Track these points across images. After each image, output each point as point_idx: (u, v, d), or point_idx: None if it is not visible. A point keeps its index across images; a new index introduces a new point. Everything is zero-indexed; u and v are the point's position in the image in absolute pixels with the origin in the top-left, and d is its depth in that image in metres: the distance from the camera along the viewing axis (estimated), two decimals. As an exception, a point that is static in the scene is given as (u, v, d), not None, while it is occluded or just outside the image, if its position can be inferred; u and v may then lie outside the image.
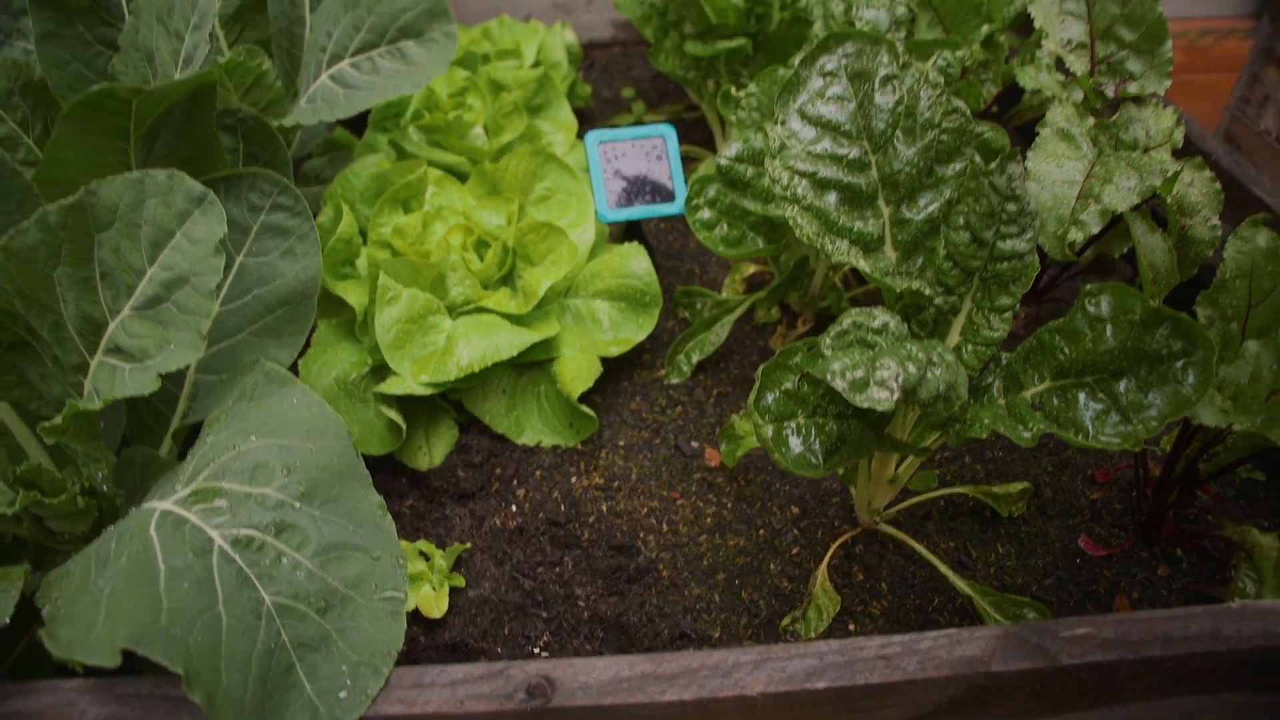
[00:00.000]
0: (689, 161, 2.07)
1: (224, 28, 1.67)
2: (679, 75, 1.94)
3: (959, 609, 1.23)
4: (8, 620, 0.90)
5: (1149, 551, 1.30)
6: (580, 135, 2.12)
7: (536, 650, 1.20)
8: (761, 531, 1.34)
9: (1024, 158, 1.23)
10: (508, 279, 1.57)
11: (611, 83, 2.44)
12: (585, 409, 1.43)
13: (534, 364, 1.50)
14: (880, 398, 0.87)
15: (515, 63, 2.10)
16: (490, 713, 0.91)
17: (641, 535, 1.34)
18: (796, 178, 1.05)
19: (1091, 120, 1.36)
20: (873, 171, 1.06)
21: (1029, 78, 1.55)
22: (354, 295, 1.50)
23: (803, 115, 1.07)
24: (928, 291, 1.06)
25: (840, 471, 1.29)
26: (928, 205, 1.08)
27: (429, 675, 0.93)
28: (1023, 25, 1.66)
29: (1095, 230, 1.22)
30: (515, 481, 1.41)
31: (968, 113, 1.07)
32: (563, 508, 1.37)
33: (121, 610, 0.80)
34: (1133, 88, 1.42)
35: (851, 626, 1.22)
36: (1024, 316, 1.69)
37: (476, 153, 1.83)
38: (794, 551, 1.31)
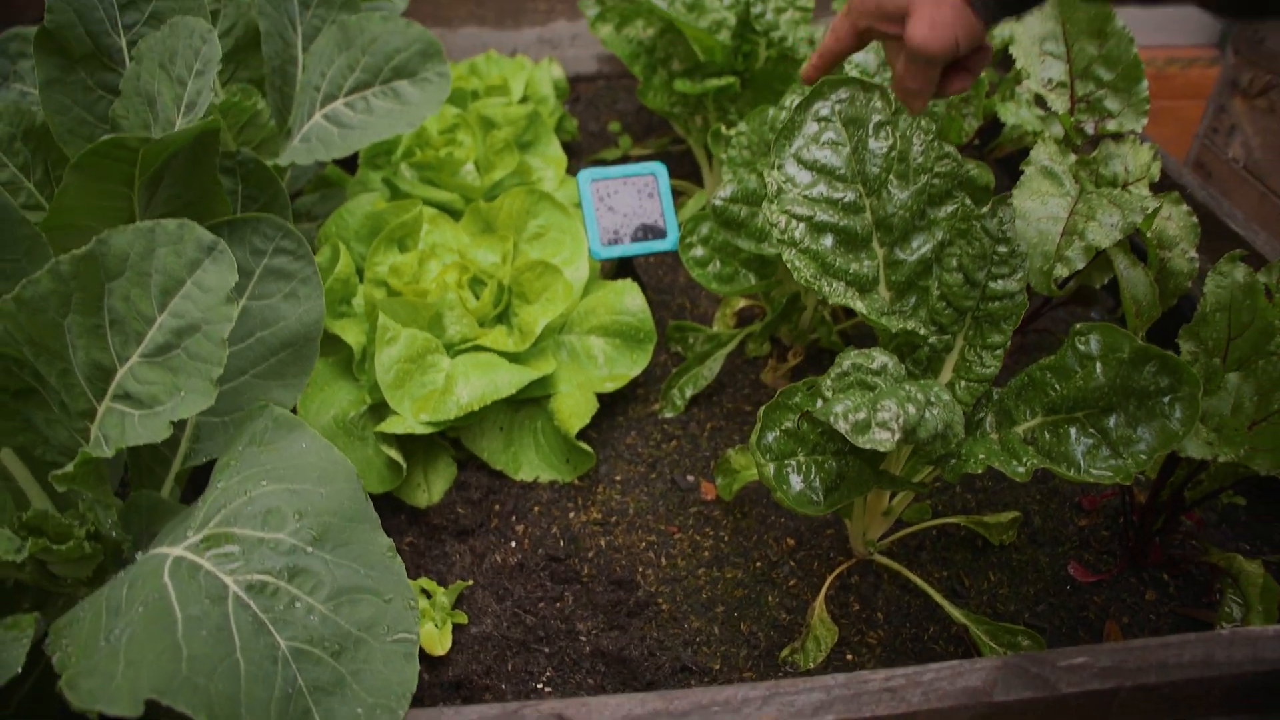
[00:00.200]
0: (676, 195, 2.10)
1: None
2: (666, 111, 1.97)
3: (954, 637, 1.26)
4: (19, 670, 0.90)
5: (1136, 577, 1.33)
6: (569, 169, 2.14)
7: (540, 685, 1.21)
8: (758, 564, 1.36)
9: (1006, 190, 1.26)
10: (503, 316, 1.59)
11: (598, 116, 2.47)
12: (582, 445, 1.45)
13: (530, 400, 1.52)
14: (882, 438, 0.90)
15: (504, 99, 2.12)
16: (504, 753, 0.92)
17: (640, 569, 1.35)
18: (794, 221, 1.08)
19: (1073, 157, 1.40)
20: (867, 215, 1.10)
21: (1010, 113, 1.59)
22: (351, 334, 1.51)
23: (799, 160, 1.10)
24: (922, 331, 1.09)
25: (836, 504, 1.31)
26: (920, 246, 1.11)
27: (444, 716, 0.95)
28: (1001, 60, 1.71)
29: (1080, 266, 1.26)
30: (514, 518, 1.43)
31: (959, 157, 1.10)
32: (562, 543, 1.38)
33: (143, 660, 0.81)
34: (1111, 125, 1.46)
35: (849, 656, 1.24)
36: (1009, 347, 1.73)
37: (468, 189, 1.85)
38: (791, 583, 1.33)
